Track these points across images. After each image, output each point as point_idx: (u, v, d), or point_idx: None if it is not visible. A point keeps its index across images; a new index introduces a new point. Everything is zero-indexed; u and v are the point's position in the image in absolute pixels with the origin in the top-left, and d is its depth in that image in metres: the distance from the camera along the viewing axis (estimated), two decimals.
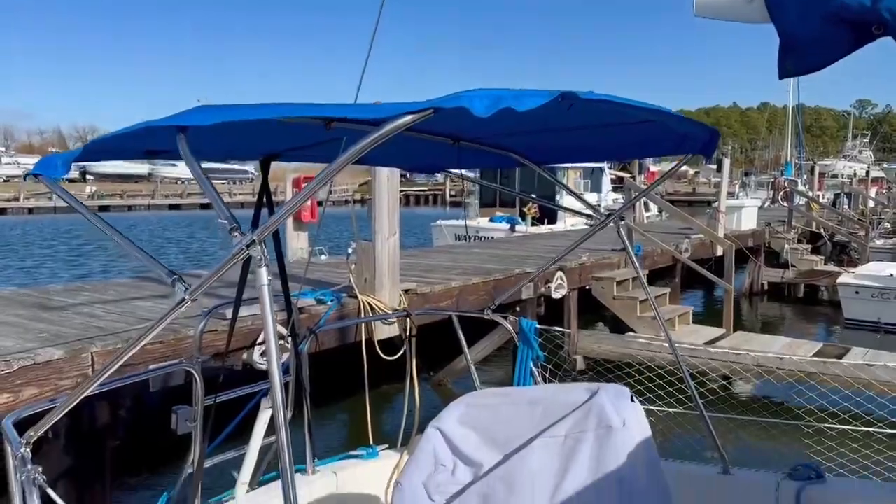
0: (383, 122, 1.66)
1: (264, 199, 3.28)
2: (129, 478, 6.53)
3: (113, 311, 6.22)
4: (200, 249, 30.06)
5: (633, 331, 10.24)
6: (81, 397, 2.19)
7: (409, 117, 1.63)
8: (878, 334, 13.09)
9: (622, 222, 3.52)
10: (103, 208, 54.16)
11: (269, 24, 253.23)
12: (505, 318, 4.10)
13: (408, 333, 4.22)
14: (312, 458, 3.57)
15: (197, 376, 2.94)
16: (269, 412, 3.38)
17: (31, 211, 50.80)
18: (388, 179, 7.01)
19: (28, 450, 2.18)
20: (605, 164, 23.58)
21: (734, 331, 11.09)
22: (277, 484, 3.43)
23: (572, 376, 8.66)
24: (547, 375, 5.14)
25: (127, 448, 5.99)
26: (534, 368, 4.01)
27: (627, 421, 2.30)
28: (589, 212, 3.68)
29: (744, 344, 9.56)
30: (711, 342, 9.85)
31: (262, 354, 5.74)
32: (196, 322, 5.76)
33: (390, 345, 7.08)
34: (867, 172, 32.60)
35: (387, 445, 3.97)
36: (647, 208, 22.25)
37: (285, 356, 5.52)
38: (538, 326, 4.08)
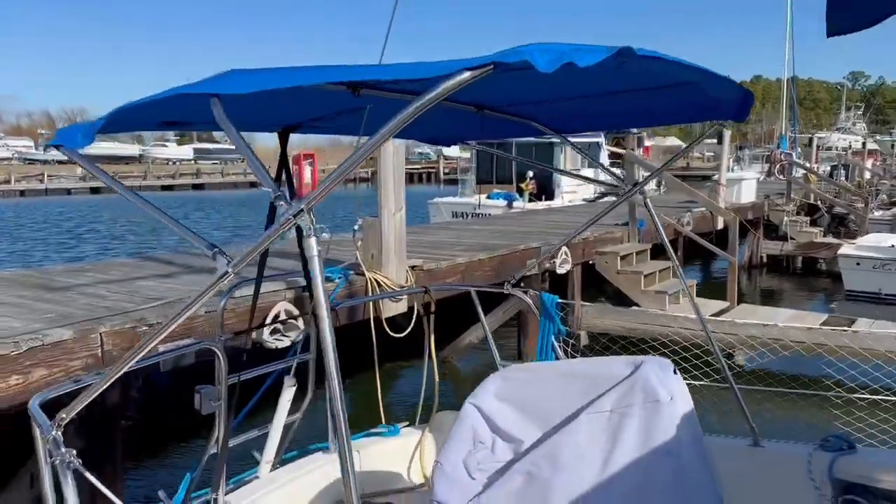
0: (436, 81, 1.53)
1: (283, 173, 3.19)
2: (140, 458, 6.48)
3: (117, 291, 6.12)
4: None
5: (636, 305, 10.20)
6: (116, 377, 2.11)
7: (466, 74, 1.49)
8: (879, 305, 13.09)
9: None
10: (94, 190, 53.82)
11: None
12: (525, 292, 4.03)
13: (425, 310, 4.13)
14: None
15: (220, 355, 2.85)
16: (293, 390, 3.32)
17: (22, 194, 50.45)
18: (393, 153, 6.90)
19: (60, 433, 2.10)
20: (601, 139, 23.45)
21: (737, 304, 11.08)
22: (301, 462, 3.38)
23: (580, 352, 8.62)
24: (569, 351, 5.07)
25: (139, 428, 5.93)
26: (555, 343, 3.94)
27: (674, 394, 2.23)
28: (613, 182, 3.59)
29: (749, 316, 9.52)
30: (716, 315, 9.82)
31: (272, 333, 5.66)
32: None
33: (396, 322, 7.03)
34: (864, 144, 32.49)
35: (407, 423, 3.92)
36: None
37: (297, 334, 5.47)
38: (559, 301, 4.00)
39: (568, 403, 2.37)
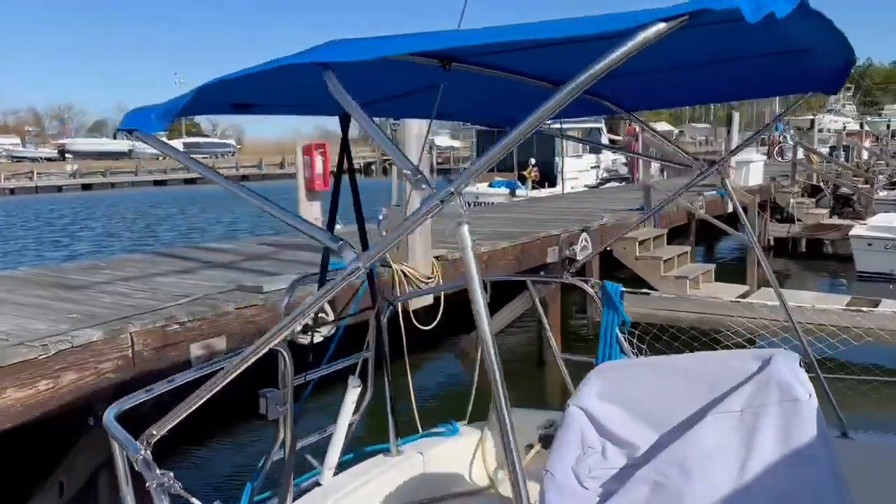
0: (626, 34, 1.30)
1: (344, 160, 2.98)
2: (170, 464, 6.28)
3: (139, 289, 5.88)
4: (191, 226, 29.46)
5: (655, 290, 10.02)
6: (220, 387, 1.89)
7: (661, 25, 1.26)
8: (891, 286, 12.96)
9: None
10: (86, 187, 53.26)
11: None
12: (586, 281, 3.84)
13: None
14: (396, 437, 3.31)
15: (286, 356, 2.63)
16: (357, 391, 3.12)
17: (12, 192, 49.82)
18: (417, 137, 6.68)
19: (149, 452, 1.88)
20: (601, 125, 23.28)
21: (757, 287, 10.93)
22: (364, 466, 3.20)
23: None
24: (634, 342, 4.87)
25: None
26: (620, 335, 3.73)
27: (811, 392, 2.04)
28: (686, 162, 3.39)
29: (773, 300, 9.36)
30: (742, 298, 9.66)
31: (304, 329, 5.44)
32: (228, 297, 5.46)
33: (419, 315, 6.85)
34: (861, 125, 32.42)
35: (465, 421, 3.74)
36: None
37: (329, 329, 5.25)
38: (623, 289, 3.79)
39: (684, 402, 2.17)
